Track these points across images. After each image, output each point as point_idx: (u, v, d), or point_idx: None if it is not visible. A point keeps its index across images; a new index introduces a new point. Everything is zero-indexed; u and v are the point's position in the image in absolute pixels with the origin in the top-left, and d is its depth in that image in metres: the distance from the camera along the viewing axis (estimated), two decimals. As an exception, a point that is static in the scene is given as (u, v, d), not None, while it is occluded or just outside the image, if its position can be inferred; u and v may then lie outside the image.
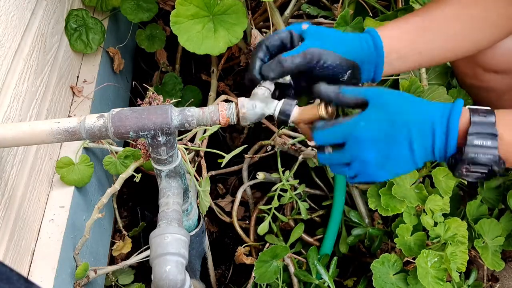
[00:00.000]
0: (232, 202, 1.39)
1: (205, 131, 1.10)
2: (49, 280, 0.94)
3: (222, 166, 0.97)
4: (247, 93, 0.79)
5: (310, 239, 1.30)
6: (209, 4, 1.09)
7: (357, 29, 1.13)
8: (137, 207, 1.48)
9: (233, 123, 0.75)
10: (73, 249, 1.03)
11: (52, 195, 1.06)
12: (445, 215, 1.08)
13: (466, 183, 1.12)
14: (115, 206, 1.32)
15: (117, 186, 0.91)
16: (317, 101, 0.76)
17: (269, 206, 1.25)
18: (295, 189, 1.29)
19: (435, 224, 1.07)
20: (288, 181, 1.24)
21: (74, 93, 1.22)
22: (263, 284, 1.21)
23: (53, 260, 0.96)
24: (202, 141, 1.18)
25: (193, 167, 1.19)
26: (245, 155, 1.37)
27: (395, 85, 1.23)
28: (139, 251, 1.10)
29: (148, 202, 1.47)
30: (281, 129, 1.28)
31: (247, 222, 1.38)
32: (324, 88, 0.73)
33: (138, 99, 0.87)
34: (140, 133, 0.72)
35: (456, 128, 0.69)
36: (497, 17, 0.86)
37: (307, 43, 0.78)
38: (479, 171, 0.69)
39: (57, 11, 1.14)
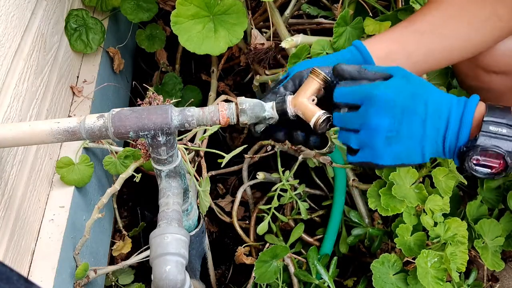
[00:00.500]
0: (232, 202, 1.39)
1: (205, 131, 1.10)
2: (49, 280, 0.94)
3: (222, 166, 0.97)
4: (247, 93, 0.79)
5: (310, 239, 1.30)
6: (210, 4, 1.09)
7: (357, 29, 1.13)
8: (137, 207, 1.48)
9: (233, 123, 0.75)
10: (73, 249, 1.03)
11: (52, 195, 1.06)
12: (445, 215, 1.08)
13: (466, 183, 1.12)
14: (115, 206, 1.32)
15: (117, 186, 0.91)
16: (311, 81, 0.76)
17: (269, 206, 1.25)
18: (295, 189, 1.29)
19: (435, 224, 1.06)
20: (288, 181, 1.24)
21: (74, 93, 1.22)
22: (263, 284, 1.21)
23: (53, 260, 0.96)
24: (202, 141, 1.18)
25: (193, 167, 1.19)
26: (245, 155, 1.37)
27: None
28: (139, 251, 1.10)
29: (148, 202, 1.47)
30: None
31: (247, 222, 1.38)
32: (345, 67, 0.73)
33: (138, 99, 0.87)
34: (140, 133, 0.72)
35: (471, 113, 0.68)
36: (487, 19, 0.86)
37: (291, 70, 0.80)
38: (489, 164, 0.67)
39: (57, 11, 1.14)
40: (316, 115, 0.73)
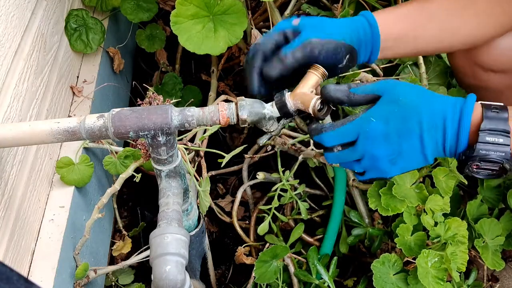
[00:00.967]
0: (232, 202, 1.39)
1: (205, 131, 1.10)
2: (49, 280, 0.94)
3: (222, 166, 0.97)
4: (247, 93, 0.79)
5: (310, 239, 1.30)
6: (209, 4, 1.09)
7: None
8: (137, 207, 1.48)
9: (233, 123, 0.75)
10: (73, 249, 1.03)
11: (52, 195, 1.06)
12: (445, 215, 1.08)
13: (466, 182, 1.12)
14: (115, 206, 1.32)
15: (117, 186, 0.91)
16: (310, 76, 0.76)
17: (269, 206, 1.25)
18: (295, 189, 1.29)
19: (436, 224, 1.06)
20: (288, 181, 1.24)
21: (74, 93, 1.22)
22: (263, 284, 1.21)
23: (53, 260, 0.96)
24: (202, 141, 1.18)
25: (193, 167, 1.19)
26: (245, 155, 1.37)
27: (395, 85, 1.23)
28: (139, 251, 1.10)
29: (148, 202, 1.47)
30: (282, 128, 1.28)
31: (247, 222, 1.38)
32: (333, 91, 0.72)
33: (138, 99, 0.87)
34: (140, 133, 0.72)
35: (468, 124, 0.68)
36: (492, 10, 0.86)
37: (304, 35, 0.77)
38: (489, 168, 0.68)
39: (57, 11, 1.14)
40: (314, 99, 0.73)
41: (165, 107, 0.73)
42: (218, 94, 1.44)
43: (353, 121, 0.71)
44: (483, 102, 0.70)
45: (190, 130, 1.10)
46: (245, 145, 1.06)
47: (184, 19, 1.09)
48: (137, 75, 1.67)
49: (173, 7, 1.09)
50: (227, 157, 0.94)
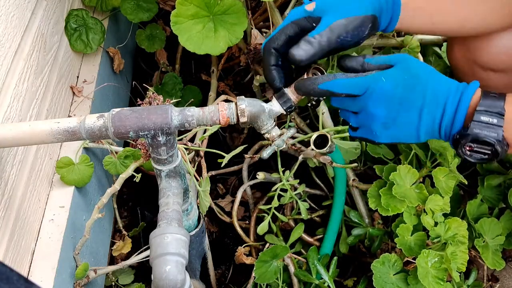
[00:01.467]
0: (232, 202, 1.39)
1: (205, 131, 1.10)
2: (49, 280, 0.94)
3: (222, 166, 0.97)
4: (247, 93, 0.79)
5: (310, 239, 1.30)
6: (209, 4, 1.09)
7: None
8: (137, 207, 1.48)
9: (233, 123, 0.75)
10: (73, 249, 1.03)
11: (52, 195, 1.06)
12: (445, 215, 1.08)
13: (466, 182, 1.12)
14: (115, 206, 1.32)
15: (117, 186, 0.91)
16: None
17: (269, 206, 1.25)
18: (295, 189, 1.29)
19: (436, 224, 1.06)
20: (288, 181, 1.24)
21: (74, 93, 1.22)
22: (263, 284, 1.21)
23: (53, 260, 0.96)
24: (202, 141, 1.18)
25: (193, 167, 1.19)
26: (245, 155, 1.37)
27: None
28: (139, 251, 1.10)
29: (148, 202, 1.47)
30: (282, 128, 1.28)
31: (247, 222, 1.38)
32: (348, 61, 0.74)
33: (138, 99, 0.87)
34: (140, 133, 0.72)
35: (466, 105, 0.70)
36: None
37: (327, 19, 0.75)
38: (482, 151, 0.70)
39: (57, 11, 1.14)
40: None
41: (165, 107, 0.73)
42: (218, 94, 1.44)
43: (365, 76, 0.73)
44: (485, 90, 0.72)
45: (190, 130, 1.10)
46: (245, 145, 1.06)
47: (184, 19, 1.09)
48: (137, 75, 1.67)
49: (173, 7, 1.09)
50: (227, 157, 0.94)
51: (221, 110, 0.73)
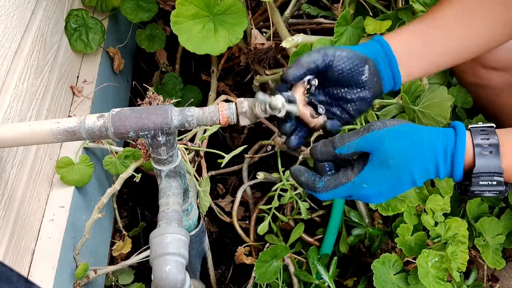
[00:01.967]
0: (232, 202, 1.39)
1: (205, 131, 1.10)
2: (49, 280, 0.94)
3: (222, 166, 0.97)
4: (247, 93, 0.79)
5: (310, 239, 1.30)
6: (209, 4, 1.09)
7: (357, 28, 1.13)
8: (137, 207, 1.48)
9: (233, 123, 0.75)
10: (73, 249, 1.03)
11: (52, 195, 1.06)
12: (445, 215, 1.08)
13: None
14: (115, 206, 1.32)
15: (117, 186, 0.91)
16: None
17: (269, 206, 1.25)
18: (295, 189, 1.29)
19: (436, 224, 1.06)
20: (288, 181, 1.24)
21: (74, 93, 1.22)
22: (263, 284, 1.21)
23: (53, 260, 0.96)
24: (202, 141, 1.18)
25: (193, 167, 1.19)
26: (245, 155, 1.37)
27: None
28: (139, 251, 1.10)
29: (148, 202, 1.47)
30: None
31: (247, 222, 1.38)
32: (320, 155, 0.73)
33: (138, 99, 0.87)
34: (140, 133, 0.72)
35: (460, 169, 0.69)
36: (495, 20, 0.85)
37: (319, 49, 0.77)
38: (488, 195, 0.71)
39: (57, 11, 1.14)
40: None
41: (165, 107, 0.73)
42: (218, 94, 1.44)
43: (346, 185, 0.72)
44: (475, 139, 0.70)
45: (190, 130, 1.10)
46: (245, 145, 1.06)
47: (184, 19, 1.09)
48: (137, 75, 1.67)
49: (173, 7, 1.09)
50: (227, 157, 0.94)
51: (221, 110, 0.73)
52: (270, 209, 1.25)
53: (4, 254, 0.86)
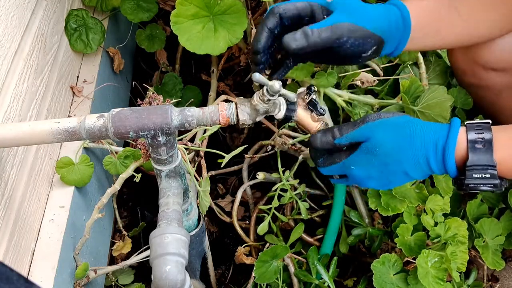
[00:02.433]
0: (232, 202, 1.39)
1: (205, 131, 1.10)
2: (49, 280, 0.94)
3: (222, 166, 0.97)
4: (247, 93, 0.79)
5: (310, 239, 1.30)
6: (209, 4, 1.09)
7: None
8: (137, 207, 1.48)
9: (233, 123, 0.75)
10: (73, 249, 1.03)
11: (52, 195, 1.06)
12: (445, 215, 1.08)
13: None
14: (115, 206, 1.32)
15: (117, 186, 0.91)
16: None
17: (269, 206, 1.25)
18: (295, 189, 1.29)
19: (436, 224, 1.06)
20: (288, 181, 1.24)
21: (74, 93, 1.22)
22: (263, 284, 1.21)
23: (53, 260, 0.96)
24: (202, 141, 1.18)
25: (193, 167, 1.19)
26: (245, 155, 1.37)
27: (395, 85, 1.23)
28: (139, 251, 1.10)
29: (148, 202, 1.47)
30: (281, 129, 1.28)
31: (247, 222, 1.38)
32: (320, 144, 0.77)
33: (138, 99, 0.87)
34: (140, 133, 0.72)
35: (452, 163, 0.71)
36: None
37: (335, 17, 0.73)
38: (484, 189, 0.72)
39: (57, 11, 1.14)
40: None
41: (165, 107, 0.73)
42: (218, 94, 1.44)
43: (338, 164, 0.77)
44: (469, 135, 0.71)
45: (190, 130, 1.10)
46: (245, 145, 1.06)
47: (184, 19, 1.09)
48: (137, 75, 1.67)
49: (173, 7, 1.08)
50: (227, 157, 0.94)
51: (221, 110, 0.73)
52: (270, 209, 1.25)
53: (4, 254, 0.86)
